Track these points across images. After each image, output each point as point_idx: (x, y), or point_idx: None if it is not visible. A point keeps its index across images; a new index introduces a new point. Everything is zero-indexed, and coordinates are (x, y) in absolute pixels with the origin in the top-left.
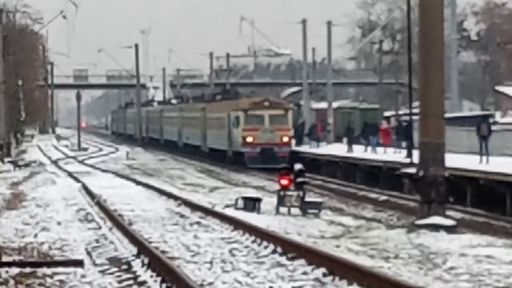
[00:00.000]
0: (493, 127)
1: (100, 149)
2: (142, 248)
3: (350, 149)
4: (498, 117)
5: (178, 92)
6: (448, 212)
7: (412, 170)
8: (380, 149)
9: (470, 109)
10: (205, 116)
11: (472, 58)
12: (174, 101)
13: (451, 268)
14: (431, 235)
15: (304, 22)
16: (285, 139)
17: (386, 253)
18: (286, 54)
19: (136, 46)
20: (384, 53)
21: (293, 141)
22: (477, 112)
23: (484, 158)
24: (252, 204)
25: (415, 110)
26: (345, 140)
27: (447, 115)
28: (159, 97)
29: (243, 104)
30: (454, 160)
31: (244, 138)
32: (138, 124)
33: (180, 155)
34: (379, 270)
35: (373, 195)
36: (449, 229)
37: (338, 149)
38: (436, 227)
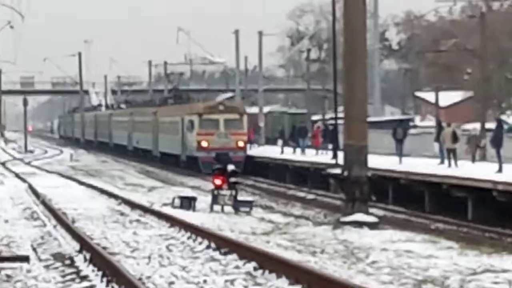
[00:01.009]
0: (413, 130)
1: (46, 152)
2: (84, 244)
3: (282, 151)
4: (417, 120)
5: (126, 97)
6: (371, 210)
7: (337, 171)
8: (309, 151)
9: (391, 113)
10: (157, 120)
11: (393, 66)
12: (123, 105)
13: (373, 262)
14: (355, 231)
15: (236, 32)
16: (241, 143)
17: (313, 248)
18: (220, 62)
19: (80, 54)
20: (311, 61)
21: None
22: (398, 116)
23: (402, 159)
24: (188, 202)
25: (340, 115)
26: (280, 142)
27: (370, 119)
28: (100, 102)
29: (197, 108)
30: (376, 161)
31: (198, 142)
32: (82, 128)
33: (121, 157)
34: (306, 264)
35: (301, 194)
36: (372, 226)
37: (269, 151)
38: (359, 224)
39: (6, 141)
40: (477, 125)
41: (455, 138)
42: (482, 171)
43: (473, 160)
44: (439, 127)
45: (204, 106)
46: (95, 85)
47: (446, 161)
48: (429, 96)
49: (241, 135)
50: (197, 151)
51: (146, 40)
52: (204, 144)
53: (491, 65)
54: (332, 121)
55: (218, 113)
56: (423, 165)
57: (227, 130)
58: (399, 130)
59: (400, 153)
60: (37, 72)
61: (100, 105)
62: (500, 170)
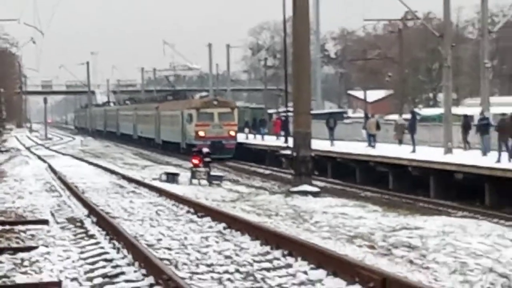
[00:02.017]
0: (346, 120)
1: (61, 139)
2: (92, 210)
3: (246, 137)
4: (350, 113)
5: (129, 95)
6: (314, 182)
7: (288, 152)
8: (267, 137)
9: (330, 107)
10: (159, 113)
11: (331, 71)
12: (128, 102)
13: (316, 222)
14: (302, 198)
15: (210, 45)
16: (232, 133)
17: (269, 212)
18: (197, 68)
19: (88, 63)
20: (268, 67)
21: None
22: (335, 110)
23: (334, 142)
24: (172, 177)
25: (290, 109)
26: (246, 130)
27: (313, 112)
28: (104, 100)
29: (195, 103)
30: (318, 144)
31: (196, 132)
32: (90, 120)
33: (122, 143)
34: (264, 224)
35: (260, 170)
36: (315, 194)
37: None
38: (305, 193)
39: (31, 130)
40: (396, 116)
41: (377, 126)
42: (400, 151)
43: (400, 143)
44: (366, 118)
45: (201, 101)
46: (100, 87)
47: (371, 144)
48: (359, 94)
49: (233, 125)
50: (195, 140)
51: (140, 51)
52: (201, 133)
53: (407, 70)
54: (284, 114)
55: (213, 107)
56: (355, 147)
57: (220, 122)
58: (331, 120)
59: (332, 138)
60: (54, 77)
61: (108, 102)
62: (414, 151)
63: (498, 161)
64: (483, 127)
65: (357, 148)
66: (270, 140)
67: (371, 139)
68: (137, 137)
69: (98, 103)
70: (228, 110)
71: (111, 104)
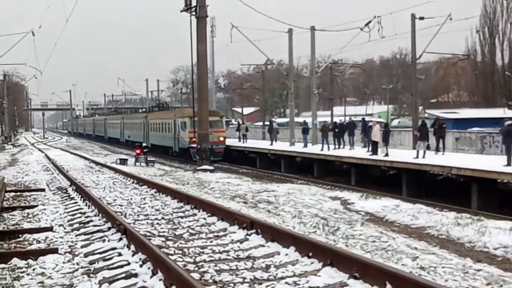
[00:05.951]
0: (231, 126)
1: (54, 138)
2: (72, 182)
3: None
4: (233, 121)
5: (113, 108)
6: (213, 164)
7: (195, 145)
8: None
9: None
10: (148, 121)
11: (222, 96)
12: (112, 113)
13: (212, 188)
14: (203, 174)
15: (147, 80)
16: (221, 138)
17: (183, 182)
18: (139, 94)
19: (70, 91)
20: (182, 94)
21: None
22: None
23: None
24: (123, 161)
25: (197, 119)
26: None
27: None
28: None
29: (188, 112)
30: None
31: (190, 138)
32: (76, 127)
33: (95, 140)
34: (180, 189)
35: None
36: (211, 171)
37: None
38: (205, 170)
39: (34, 133)
40: (261, 123)
41: (246, 129)
42: (264, 145)
43: (273, 140)
44: (239, 124)
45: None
46: (78, 106)
47: (242, 140)
48: (239, 109)
49: (222, 132)
50: (189, 145)
51: (103, 82)
52: (194, 139)
53: (267, 95)
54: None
55: None
56: (234, 142)
57: (211, 129)
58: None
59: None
60: (49, 99)
61: (94, 114)
62: (271, 144)
63: (322, 149)
64: (303, 130)
65: (236, 142)
66: None
67: (244, 137)
68: (124, 140)
69: (79, 116)
70: (217, 119)
71: (96, 115)
